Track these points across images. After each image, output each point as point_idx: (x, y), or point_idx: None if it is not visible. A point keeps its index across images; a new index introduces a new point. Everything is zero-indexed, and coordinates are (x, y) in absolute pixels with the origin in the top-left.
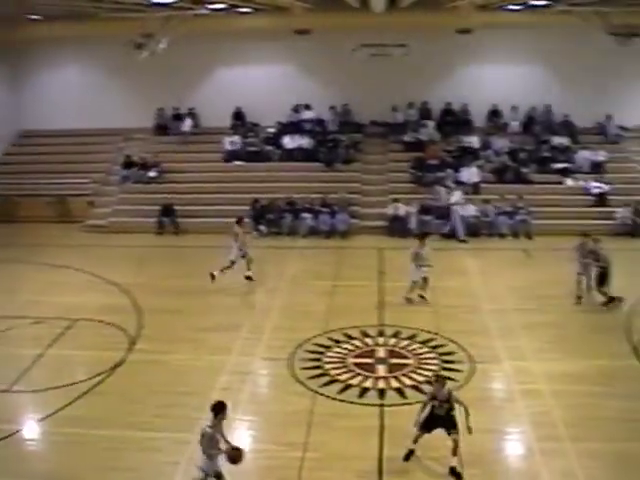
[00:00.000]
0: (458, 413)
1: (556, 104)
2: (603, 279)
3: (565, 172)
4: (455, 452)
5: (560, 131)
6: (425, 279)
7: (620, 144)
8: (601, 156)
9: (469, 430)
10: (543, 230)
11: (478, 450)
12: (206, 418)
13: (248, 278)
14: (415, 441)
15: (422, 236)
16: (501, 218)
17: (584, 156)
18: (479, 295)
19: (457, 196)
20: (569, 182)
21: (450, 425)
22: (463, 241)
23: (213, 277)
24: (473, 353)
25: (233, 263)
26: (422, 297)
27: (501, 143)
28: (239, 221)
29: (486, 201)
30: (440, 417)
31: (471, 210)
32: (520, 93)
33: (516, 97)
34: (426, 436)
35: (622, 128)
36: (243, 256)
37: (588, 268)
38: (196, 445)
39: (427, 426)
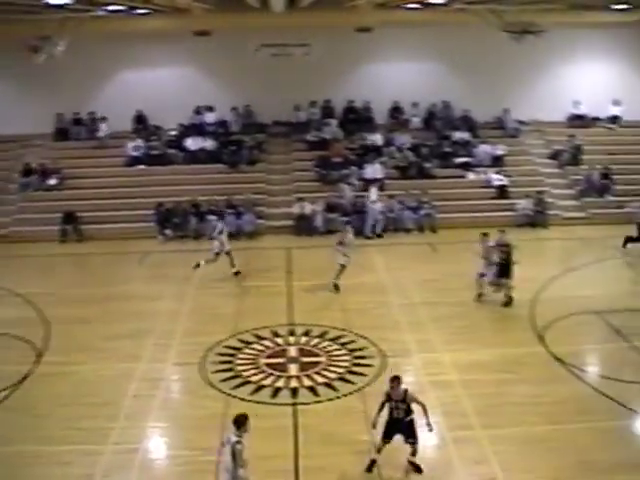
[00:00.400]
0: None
1: (456, 100)
2: (504, 272)
3: (466, 166)
4: (414, 454)
5: (460, 126)
6: (342, 266)
7: (518, 137)
8: (500, 150)
9: (429, 427)
10: (447, 223)
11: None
12: (120, 427)
13: (236, 274)
14: (378, 451)
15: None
16: (406, 213)
17: (484, 150)
18: (388, 290)
19: (374, 193)
20: (471, 176)
21: (410, 433)
22: (380, 236)
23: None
24: (384, 347)
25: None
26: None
27: (403, 139)
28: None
29: (390, 197)
30: (399, 421)
31: (377, 206)
32: (421, 90)
33: (417, 94)
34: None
35: (520, 122)
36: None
37: (490, 266)
38: (110, 456)
39: (388, 433)
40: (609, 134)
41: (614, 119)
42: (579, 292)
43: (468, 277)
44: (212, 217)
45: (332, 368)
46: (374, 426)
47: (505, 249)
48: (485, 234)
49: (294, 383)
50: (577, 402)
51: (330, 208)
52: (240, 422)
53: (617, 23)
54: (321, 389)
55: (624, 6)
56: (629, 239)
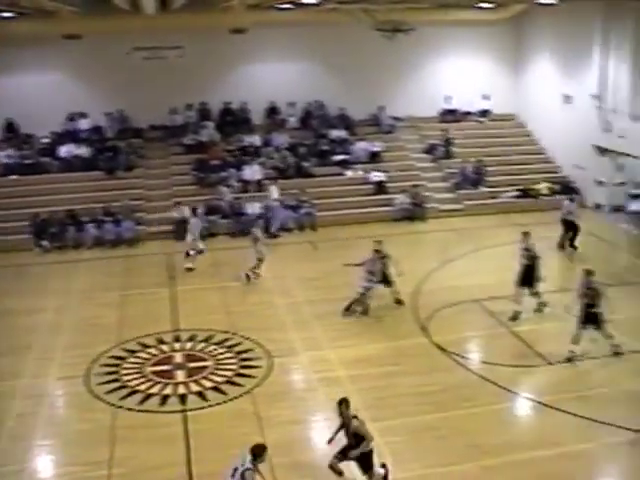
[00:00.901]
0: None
1: (332, 98)
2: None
3: (344, 164)
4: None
5: (337, 124)
6: (260, 260)
7: (394, 133)
8: (377, 146)
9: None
10: (327, 221)
11: (285, 442)
12: (2, 449)
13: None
14: (340, 474)
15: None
16: (286, 212)
17: (361, 147)
18: (272, 290)
19: (274, 192)
20: (349, 173)
21: (365, 465)
22: (277, 235)
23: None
24: (270, 348)
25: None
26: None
27: (281, 139)
28: None
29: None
30: (351, 447)
31: (256, 208)
32: (297, 89)
33: (293, 93)
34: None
35: (395, 118)
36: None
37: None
38: None
39: (343, 453)
40: (480, 127)
41: (484, 113)
42: (458, 282)
43: (348, 274)
44: (90, 226)
45: (220, 372)
46: (330, 442)
47: (383, 260)
48: (526, 233)
49: (182, 389)
50: (462, 389)
51: (211, 211)
52: (258, 453)
53: (484, 21)
54: (210, 394)
55: (489, 5)
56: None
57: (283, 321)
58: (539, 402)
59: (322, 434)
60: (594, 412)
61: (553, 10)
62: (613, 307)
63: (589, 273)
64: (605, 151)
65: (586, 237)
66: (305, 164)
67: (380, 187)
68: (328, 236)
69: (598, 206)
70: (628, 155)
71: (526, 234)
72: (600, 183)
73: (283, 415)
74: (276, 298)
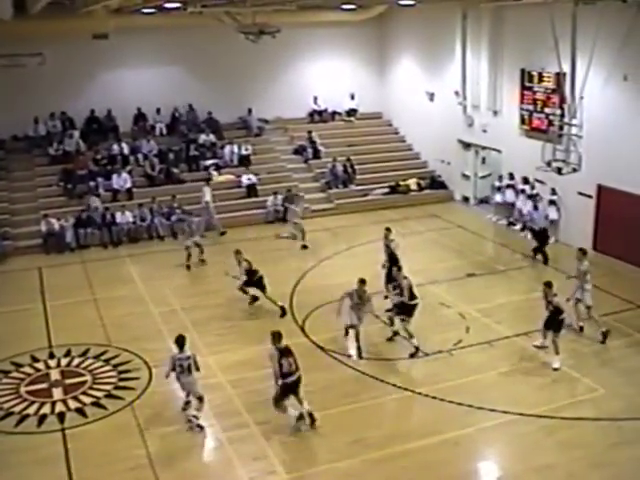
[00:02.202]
0: None
1: (199, 103)
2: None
3: (215, 168)
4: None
5: (205, 129)
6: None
7: (263, 136)
8: (247, 149)
9: None
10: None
11: (169, 452)
12: None
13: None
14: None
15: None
16: (158, 220)
17: (231, 151)
18: (146, 300)
19: (208, 193)
20: (219, 178)
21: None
22: (224, 233)
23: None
24: (148, 358)
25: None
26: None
27: (149, 146)
28: None
29: (140, 205)
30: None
31: (128, 216)
32: (164, 95)
33: (160, 99)
34: None
35: (263, 121)
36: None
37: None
38: None
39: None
40: (348, 127)
41: (352, 112)
42: (333, 280)
43: (225, 279)
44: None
45: (98, 386)
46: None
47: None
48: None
49: (60, 407)
50: (343, 386)
51: (80, 222)
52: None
53: (349, 22)
54: (90, 409)
55: (351, 6)
56: (536, 250)
57: (159, 330)
58: (419, 393)
59: (206, 442)
60: (471, 398)
61: (415, 10)
62: (486, 296)
63: (548, 285)
64: (469, 145)
65: (455, 229)
66: (175, 170)
67: (251, 190)
68: (203, 241)
69: (465, 199)
70: (491, 148)
71: (388, 230)
72: (466, 177)
73: (165, 424)
74: (151, 307)
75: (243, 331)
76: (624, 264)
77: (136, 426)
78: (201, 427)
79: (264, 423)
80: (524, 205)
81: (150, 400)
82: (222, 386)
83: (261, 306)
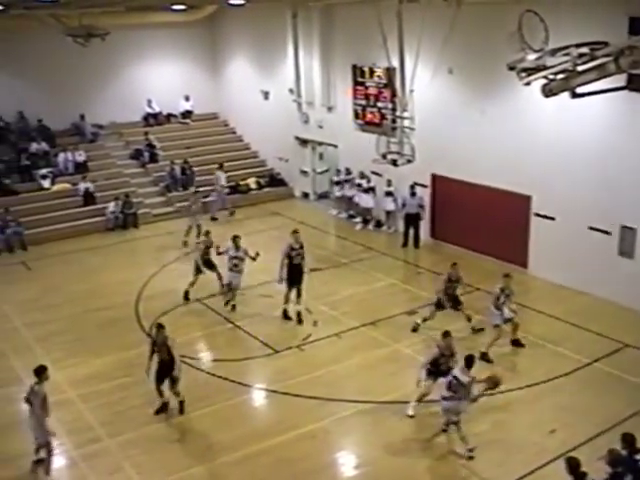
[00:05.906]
0: None
1: (29, 110)
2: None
3: (49, 177)
4: None
5: (37, 137)
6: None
7: (98, 142)
8: (82, 156)
9: None
10: (39, 239)
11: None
12: None
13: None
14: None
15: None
16: None
17: (65, 158)
18: None
19: (223, 177)
20: (55, 187)
21: None
22: (233, 213)
23: None
24: None
25: None
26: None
27: None
28: None
29: None
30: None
31: None
32: None
33: None
34: None
35: (98, 126)
36: None
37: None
38: None
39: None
40: (184, 129)
41: (187, 114)
42: (178, 284)
43: (68, 291)
44: None
45: None
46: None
47: None
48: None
49: None
50: (195, 390)
51: None
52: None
53: (180, 23)
54: None
55: (181, 7)
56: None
57: (2, 349)
58: (272, 390)
59: (58, 461)
60: (324, 391)
61: (245, 10)
62: (331, 289)
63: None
64: (306, 142)
65: (296, 225)
66: (6, 181)
67: (89, 197)
68: (42, 254)
69: (305, 195)
70: (327, 144)
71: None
72: (304, 173)
73: (15, 448)
74: None
75: (90, 342)
76: (460, 249)
77: None
78: None
79: (117, 435)
80: (360, 199)
81: None
82: (71, 402)
83: (106, 316)
